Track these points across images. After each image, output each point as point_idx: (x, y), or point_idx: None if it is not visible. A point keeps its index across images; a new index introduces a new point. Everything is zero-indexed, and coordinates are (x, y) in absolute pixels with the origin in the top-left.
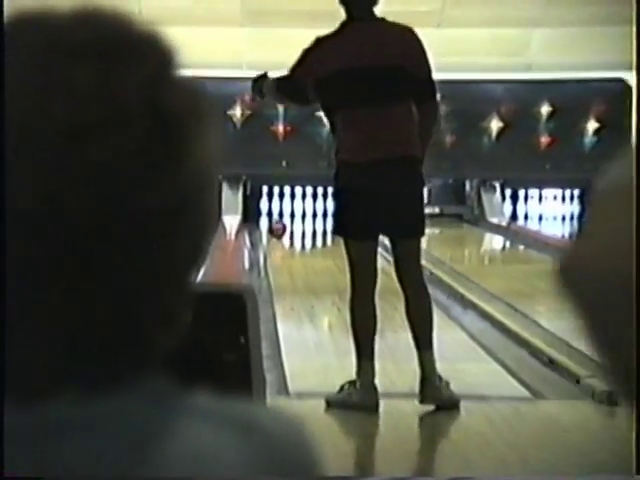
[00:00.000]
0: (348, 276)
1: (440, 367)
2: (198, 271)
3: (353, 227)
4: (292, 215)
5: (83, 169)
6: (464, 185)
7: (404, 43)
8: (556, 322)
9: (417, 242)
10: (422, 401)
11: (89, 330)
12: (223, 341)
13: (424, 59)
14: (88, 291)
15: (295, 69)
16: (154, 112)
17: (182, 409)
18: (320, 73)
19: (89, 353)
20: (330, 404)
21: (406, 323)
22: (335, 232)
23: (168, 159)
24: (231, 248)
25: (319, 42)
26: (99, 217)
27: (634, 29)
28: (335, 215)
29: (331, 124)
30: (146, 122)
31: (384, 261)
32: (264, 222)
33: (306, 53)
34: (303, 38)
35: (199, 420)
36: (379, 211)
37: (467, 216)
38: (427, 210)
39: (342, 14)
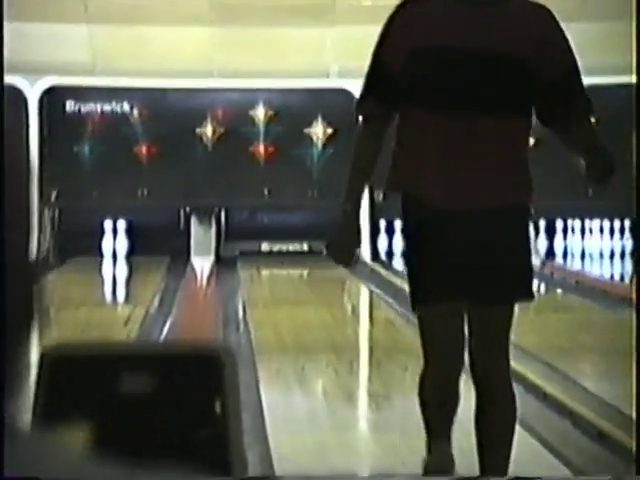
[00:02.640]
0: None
1: (459, 441)
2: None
3: (425, 287)
4: (279, 254)
5: None
6: None
7: (530, 25)
8: (605, 385)
9: (508, 313)
10: None
11: None
12: (194, 413)
13: (562, 49)
14: None
15: (378, 52)
16: None
17: None
18: (404, 48)
19: None
20: None
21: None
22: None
23: None
24: (203, 296)
25: (407, 5)
26: None
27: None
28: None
29: (398, 133)
30: None
31: (392, 311)
32: (242, 263)
33: (390, 22)
34: (285, 38)
35: None
36: (460, 267)
37: None
38: None
39: (334, 9)
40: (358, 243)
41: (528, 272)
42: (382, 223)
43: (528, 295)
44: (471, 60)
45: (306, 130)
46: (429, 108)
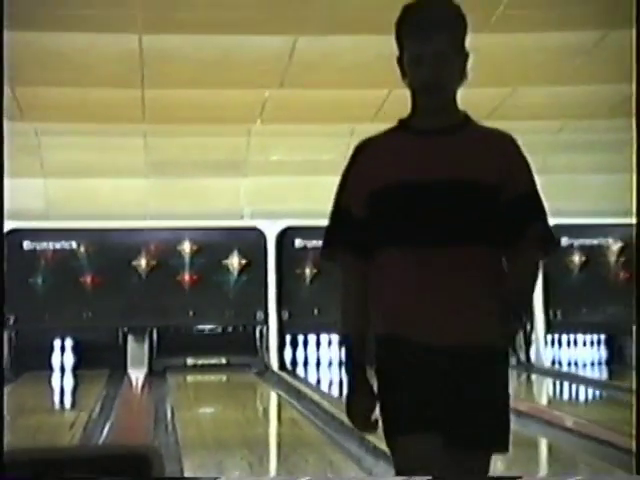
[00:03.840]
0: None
1: None
2: None
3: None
4: (202, 366)
5: None
6: None
7: (490, 152)
8: None
9: (483, 462)
10: None
11: None
12: None
13: (525, 176)
14: None
15: (339, 199)
16: None
17: None
18: (365, 189)
19: None
20: None
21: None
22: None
23: None
24: (137, 402)
25: (363, 146)
26: None
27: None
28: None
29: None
30: None
31: (296, 412)
32: (170, 373)
33: (350, 167)
34: (207, 187)
35: None
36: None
37: None
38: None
39: (246, 163)
40: (372, 404)
41: (505, 420)
42: (288, 337)
43: (503, 446)
44: (433, 192)
45: (224, 261)
46: (397, 246)
